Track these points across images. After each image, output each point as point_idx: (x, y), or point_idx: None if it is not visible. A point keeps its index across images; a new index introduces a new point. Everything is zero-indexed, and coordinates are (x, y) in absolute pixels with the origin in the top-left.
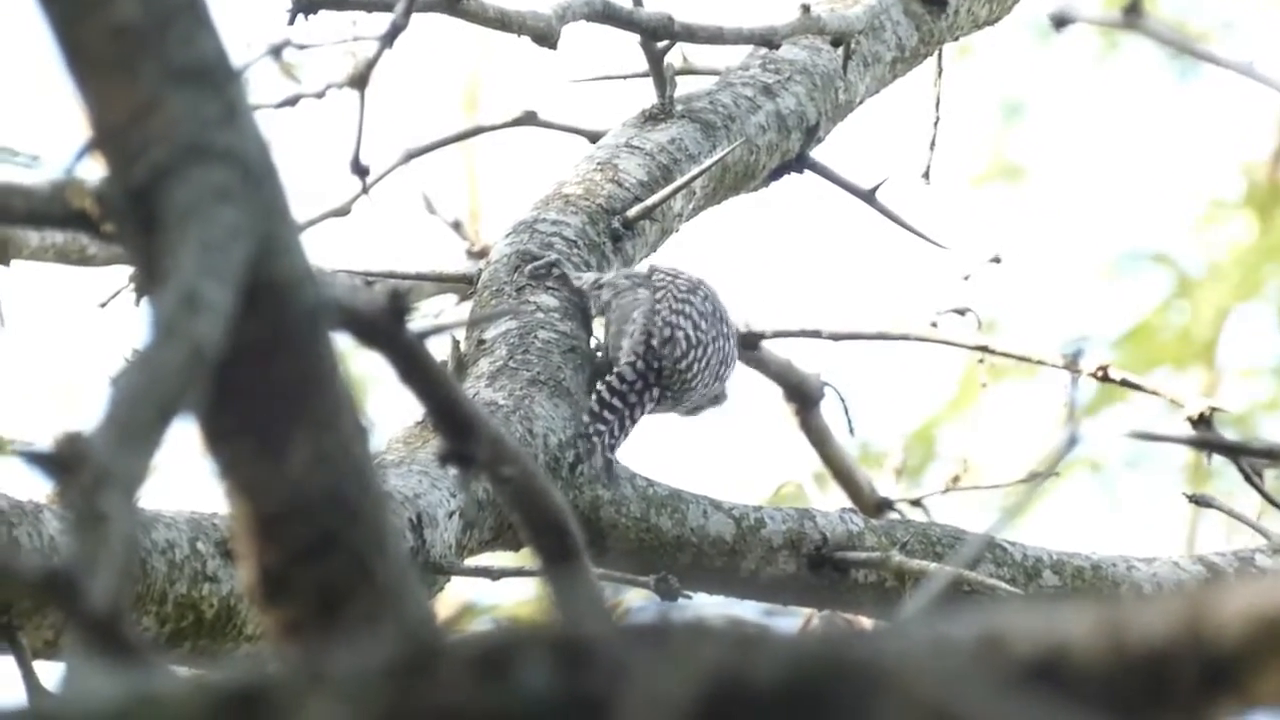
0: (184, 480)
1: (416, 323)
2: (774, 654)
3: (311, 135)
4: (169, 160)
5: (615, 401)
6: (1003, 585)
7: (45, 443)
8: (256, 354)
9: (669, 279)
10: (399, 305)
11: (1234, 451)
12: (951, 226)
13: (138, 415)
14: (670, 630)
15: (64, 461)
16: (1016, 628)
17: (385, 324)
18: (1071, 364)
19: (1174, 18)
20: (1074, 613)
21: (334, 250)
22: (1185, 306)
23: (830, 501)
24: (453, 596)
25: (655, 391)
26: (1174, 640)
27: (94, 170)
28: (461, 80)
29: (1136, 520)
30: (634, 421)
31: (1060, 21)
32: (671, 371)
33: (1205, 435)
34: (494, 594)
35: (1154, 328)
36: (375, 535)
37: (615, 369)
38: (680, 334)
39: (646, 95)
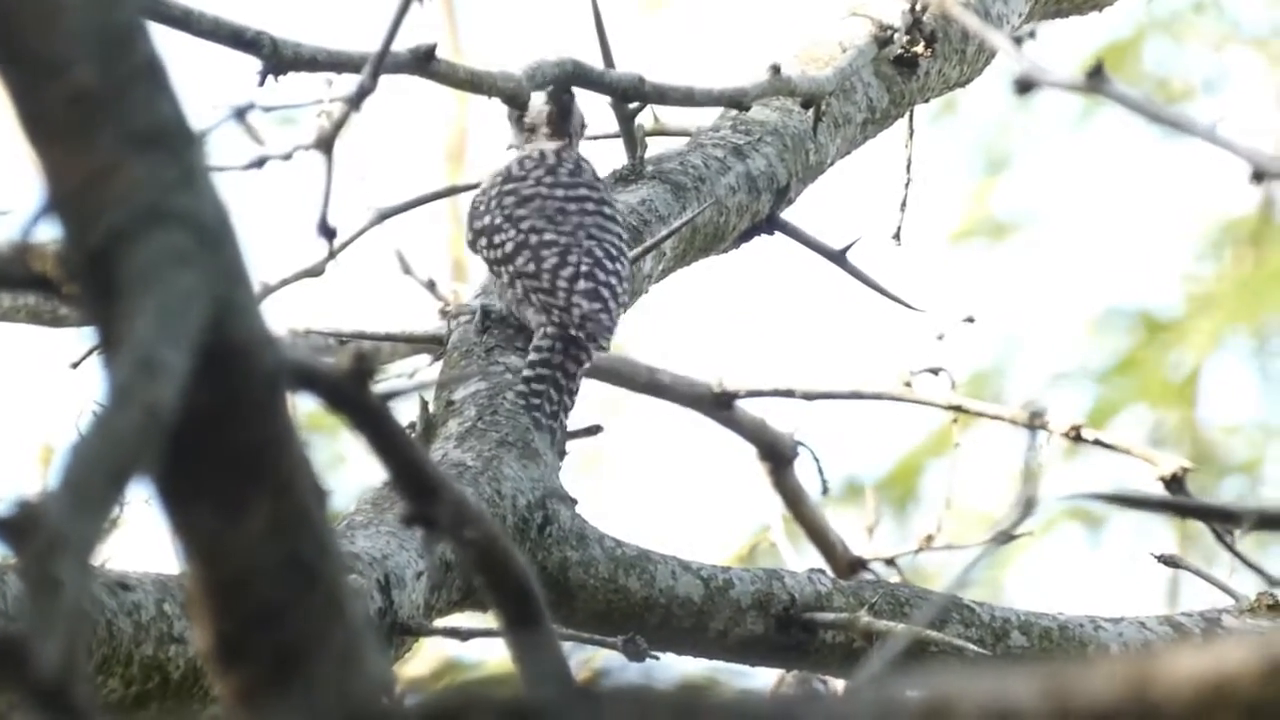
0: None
1: (384, 384)
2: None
3: (290, 191)
4: (126, 224)
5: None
6: (970, 646)
7: (2, 507)
8: (214, 417)
9: None
10: (363, 367)
11: (1200, 513)
12: (928, 285)
13: (92, 480)
14: (615, 696)
15: (18, 527)
16: (964, 694)
17: (348, 387)
18: (1043, 424)
19: (1154, 75)
20: (1021, 678)
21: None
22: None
23: (804, 558)
24: (434, 655)
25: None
26: (1121, 706)
27: (54, 232)
28: (446, 135)
29: (1119, 573)
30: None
31: (1024, 86)
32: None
33: (1170, 498)
34: (477, 652)
35: (1132, 366)
36: (333, 599)
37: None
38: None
39: (617, 156)
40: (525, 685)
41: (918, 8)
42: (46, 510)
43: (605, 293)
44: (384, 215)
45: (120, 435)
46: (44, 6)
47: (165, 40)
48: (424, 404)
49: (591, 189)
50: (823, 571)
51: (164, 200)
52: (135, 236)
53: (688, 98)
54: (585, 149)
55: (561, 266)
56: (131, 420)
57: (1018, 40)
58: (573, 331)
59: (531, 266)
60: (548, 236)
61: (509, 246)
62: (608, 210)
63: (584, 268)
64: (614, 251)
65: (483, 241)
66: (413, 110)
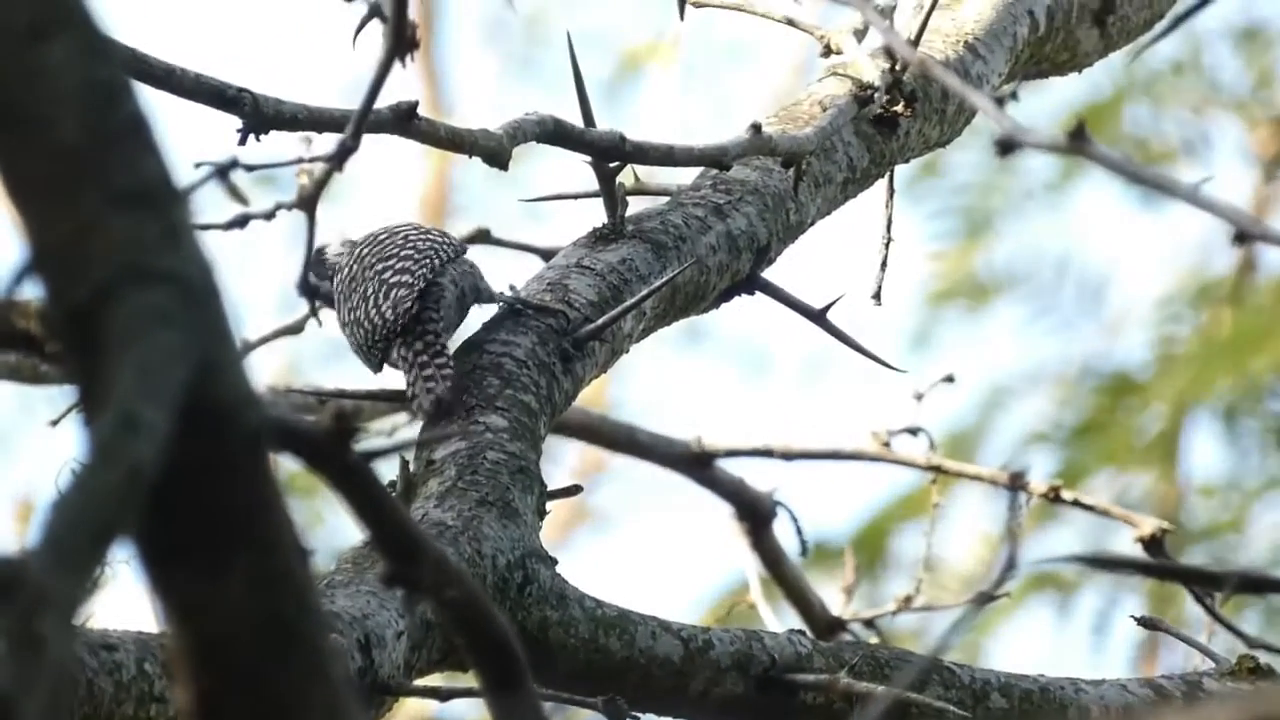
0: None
1: (364, 443)
2: None
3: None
4: (109, 282)
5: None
6: (951, 708)
7: None
8: (196, 476)
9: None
10: (344, 426)
11: (1180, 576)
12: (908, 344)
13: (75, 538)
14: None
15: (0, 583)
16: None
17: (329, 446)
18: (1020, 484)
19: (1133, 136)
20: None
21: (288, 368)
22: (1139, 409)
23: (782, 619)
24: (415, 715)
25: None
26: None
27: (35, 290)
28: (424, 190)
29: (1091, 637)
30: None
31: (1006, 146)
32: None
33: (1150, 560)
34: (457, 712)
35: (1100, 428)
36: (314, 658)
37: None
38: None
39: (597, 215)
40: None
41: (898, 67)
42: (29, 568)
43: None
44: None
45: (102, 493)
46: (29, 64)
47: (149, 98)
48: (404, 463)
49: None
50: (803, 632)
51: (147, 258)
52: (118, 295)
53: (668, 157)
54: (566, 208)
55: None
56: (113, 478)
57: (999, 100)
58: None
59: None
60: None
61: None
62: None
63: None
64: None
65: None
66: (392, 166)
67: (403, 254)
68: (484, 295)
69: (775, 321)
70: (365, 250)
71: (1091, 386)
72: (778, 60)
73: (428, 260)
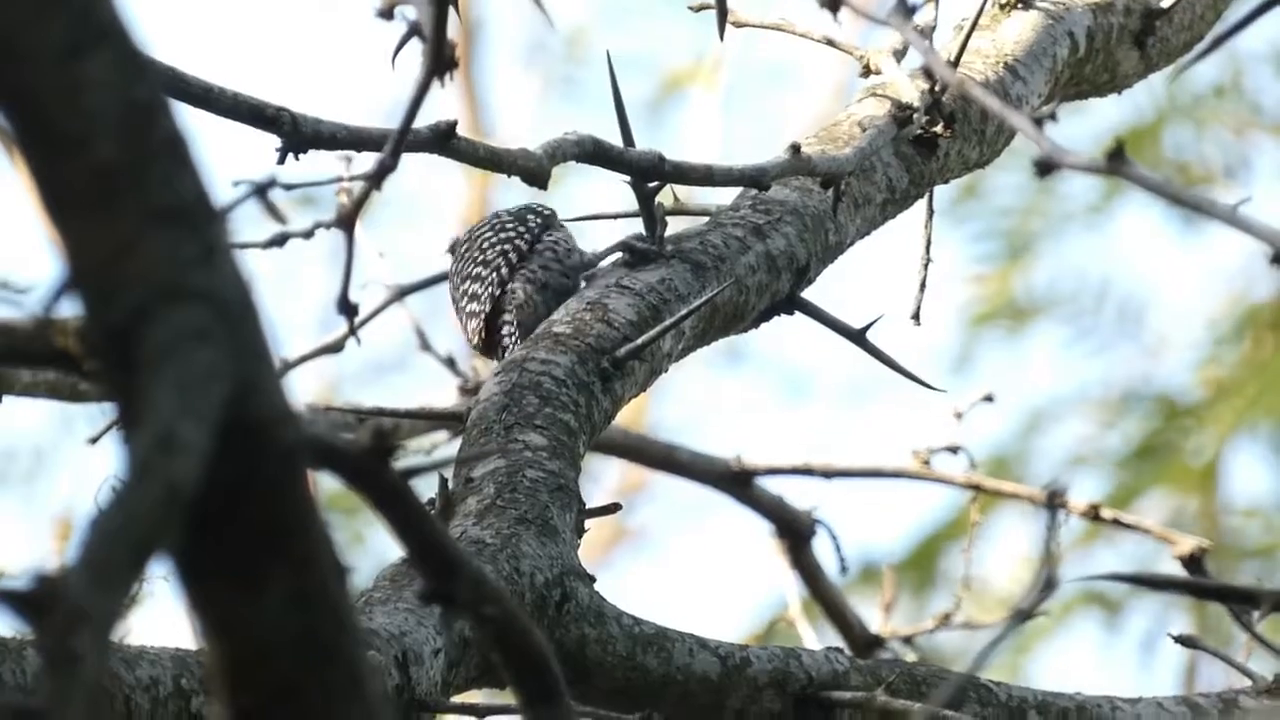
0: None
1: (403, 461)
2: None
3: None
4: (147, 301)
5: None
6: None
7: (21, 582)
8: (234, 494)
9: None
10: (383, 444)
11: (1217, 594)
12: (947, 365)
13: (113, 555)
14: None
15: (38, 601)
16: None
17: (368, 463)
18: (1059, 503)
19: (1174, 160)
20: None
21: (328, 387)
22: (1183, 432)
23: (821, 636)
24: None
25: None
26: None
27: (74, 308)
28: (464, 209)
29: (1135, 656)
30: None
31: (1045, 167)
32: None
33: (1188, 578)
34: None
35: (1151, 452)
36: (351, 676)
37: None
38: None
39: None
40: None
41: (937, 88)
42: (66, 585)
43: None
44: (403, 292)
45: (141, 511)
46: (67, 82)
47: (187, 117)
48: (443, 481)
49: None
50: (840, 650)
51: (185, 277)
52: (156, 313)
53: (707, 177)
54: (605, 228)
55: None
56: (152, 496)
57: (1038, 121)
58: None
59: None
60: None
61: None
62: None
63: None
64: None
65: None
66: (431, 186)
67: (474, 271)
68: (579, 264)
69: (815, 342)
70: (461, 253)
71: (1138, 410)
72: (817, 82)
73: (494, 274)
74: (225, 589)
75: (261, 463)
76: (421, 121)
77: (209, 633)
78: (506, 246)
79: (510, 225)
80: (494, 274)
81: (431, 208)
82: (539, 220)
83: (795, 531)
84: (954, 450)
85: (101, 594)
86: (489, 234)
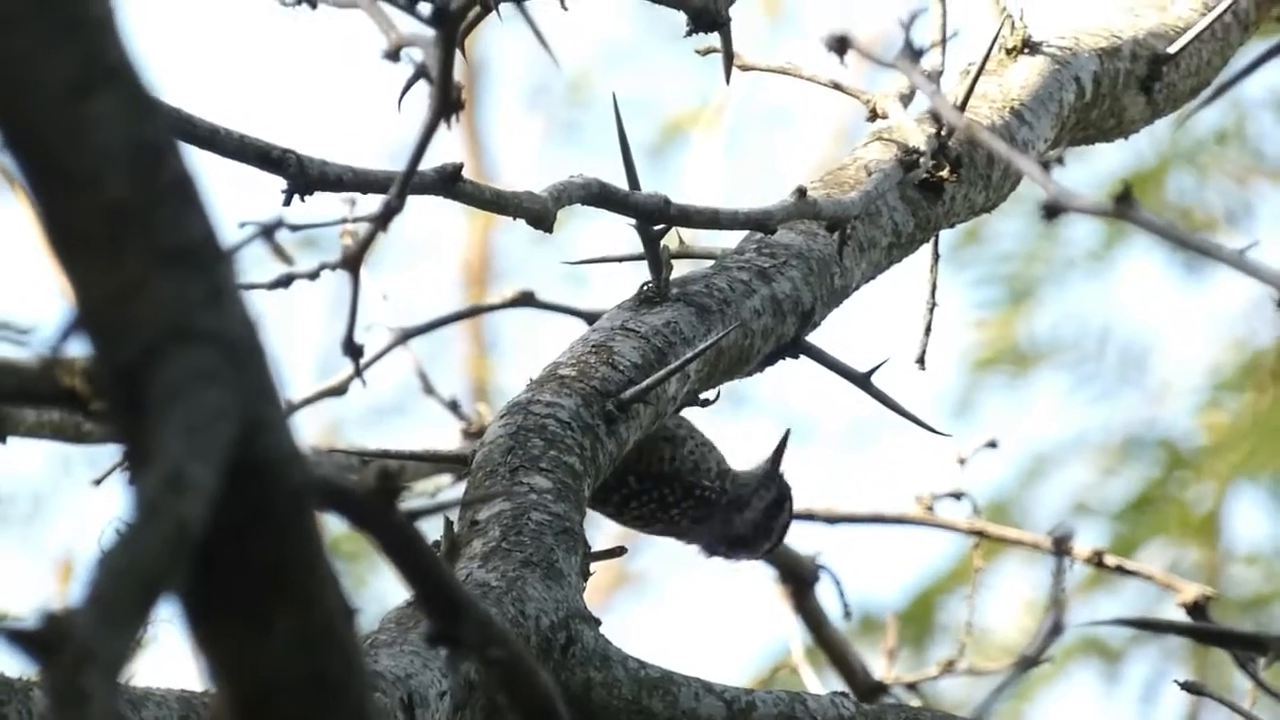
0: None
1: (408, 503)
2: None
3: (315, 308)
4: (154, 341)
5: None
6: None
7: (28, 621)
8: (241, 533)
9: None
10: (389, 486)
11: (1223, 639)
12: (951, 411)
13: (121, 594)
14: None
15: (46, 640)
16: None
17: (374, 505)
18: (1065, 548)
19: (1177, 205)
20: None
21: (330, 429)
22: (1184, 480)
23: (825, 682)
24: None
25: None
26: None
27: (81, 347)
28: (468, 252)
29: (1146, 702)
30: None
31: (1052, 211)
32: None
33: (1194, 624)
34: None
35: (1152, 501)
36: (359, 717)
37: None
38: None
39: (642, 277)
40: None
41: (943, 132)
42: (74, 624)
43: None
44: (407, 335)
45: (150, 550)
46: (75, 120)
47: (194, 158)
48: (449, 524)
49: None
50: (846, 694)
51: (192, 318)
52: (163, 353)
53: (713, 220)
54: (610, 271)
55: None
56: (161, 535)
57: (1045, 165)
58: None
59: None
60: None
61: None
62: None
63: None
64: None
65: None
66: (435, 229)
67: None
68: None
69: (818, 386)
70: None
71: (1140, 456)
72: (819, 126)
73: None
74: (232, 629)
75: (269, 503)
76: (425, 165)
77: (216, 673)
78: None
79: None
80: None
81: (434, 250)
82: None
83: (798, 577)
84: (957, 496)
85: (110, 634)
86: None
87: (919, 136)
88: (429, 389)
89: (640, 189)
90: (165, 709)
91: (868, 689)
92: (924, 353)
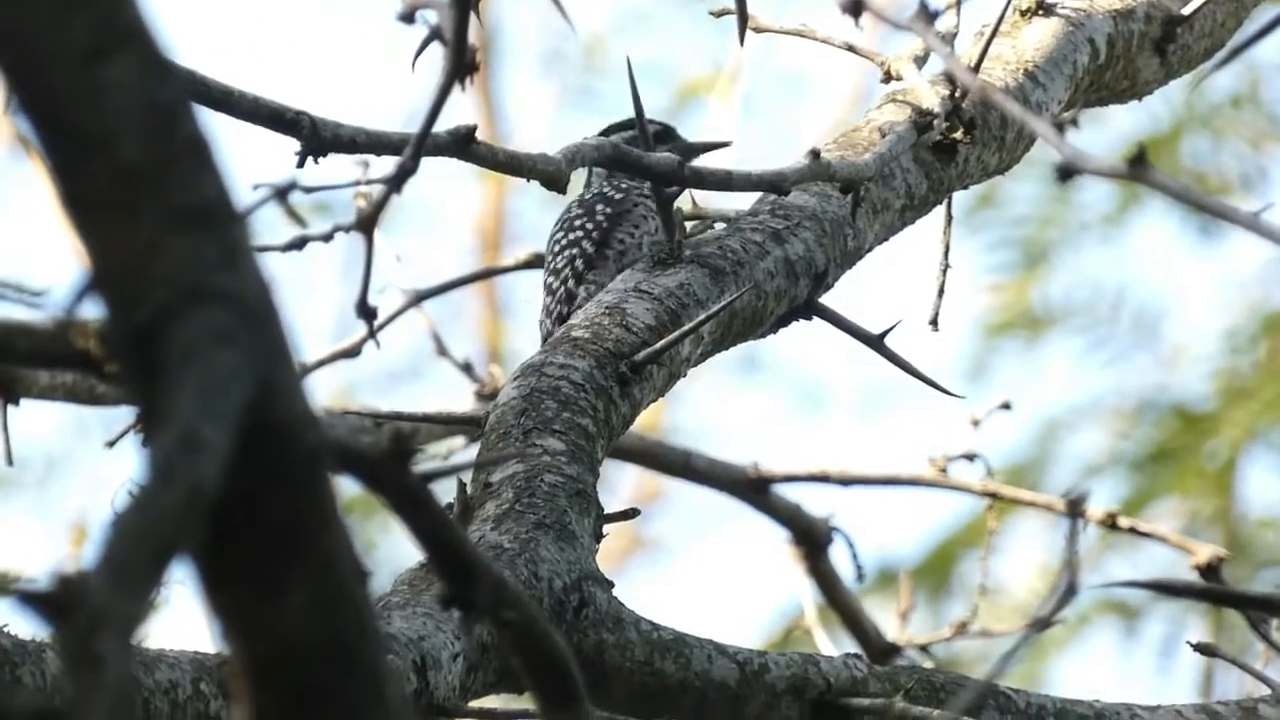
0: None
1: (421, 465)
2: None
3: (329, 270)
4: (169, 303)
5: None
6: None
7: (42, 584)
8: (255, 495)
9: None
10: (403, 448)
11: (1236, 601)
12: (965, 374)
13: (135, 556)
14: None
15: (60, 602)
16: None
17: (388, 467)
18: (1079, 510)
19: (1191, 170)
20: None
21: (344, 392)
22: (1198, 439)
23: (838, 644)
24: None
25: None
26: None
27: (95, 309)
28: (482, 214)
29: (1152, 664)
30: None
31: (1066, 173)
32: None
33: (1205, 585)
34: None
35: (1169, 454)
36: (372, 679)
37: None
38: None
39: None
40: None
41: (958, 94)
42: (87, 586)
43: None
44: (420, 297)
45: (163, 512)
46: (90, 84)
47: (208, 120)
48: (462, 486)
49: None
50: (858, 656)
51: (206, 279)
52: (178, 315)
53: (726, 182)
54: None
55: None
56: (174, 497)
57: (1059, 127)
58: None
59: None
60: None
61: None
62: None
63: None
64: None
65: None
66: (448, 191)
67: (548, 280)
68: (651, 245)
69: (832, 348)
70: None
71: (1153, 419)
72: (833, 89)
73: (563, 289)
74: (247, 591)
75: (283, 465)
76: (439, 127)
77: (230, 635)
78: (574, 251)
79: (579, 226)
80: (563, 290)
81: (448, 213)
82: (607, 213)
83: (812, 539)
84: (970, 458)
85: (123, 595)
86: (561, 240)
87: (933, 98)
88: (442, 351)
89: (654, 151)
90: (178, 671)
91: (880, 650)
92: (937, 314)
